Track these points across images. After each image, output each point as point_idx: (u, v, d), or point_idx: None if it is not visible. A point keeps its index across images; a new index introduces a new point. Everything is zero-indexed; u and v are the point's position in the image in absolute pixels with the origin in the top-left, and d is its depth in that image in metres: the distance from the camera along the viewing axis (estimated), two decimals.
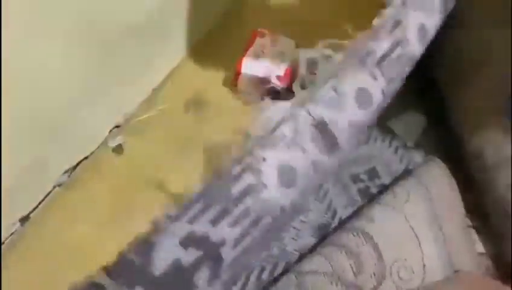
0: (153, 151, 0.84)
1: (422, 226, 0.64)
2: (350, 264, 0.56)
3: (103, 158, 0.82)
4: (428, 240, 0.62)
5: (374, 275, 0.57)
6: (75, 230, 0.73)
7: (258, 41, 0.90)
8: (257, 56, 0.89)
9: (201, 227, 0.44)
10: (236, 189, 0.46)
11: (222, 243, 0.44)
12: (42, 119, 0.71)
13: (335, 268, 0.56)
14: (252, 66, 0.88)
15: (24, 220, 0.74)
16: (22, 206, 0.74)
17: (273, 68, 0.88)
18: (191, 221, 0.44)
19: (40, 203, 0.76)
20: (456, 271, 0.61)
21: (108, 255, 0.71)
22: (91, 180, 0.79)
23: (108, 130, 0.85)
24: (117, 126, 0.87)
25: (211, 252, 0.44)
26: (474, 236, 0.70)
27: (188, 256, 0.43)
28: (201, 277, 0.43)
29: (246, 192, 0.46)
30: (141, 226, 0.74)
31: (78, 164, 0.81)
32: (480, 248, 0.70)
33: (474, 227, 0.70)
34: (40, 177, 0.75)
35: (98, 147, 0.84)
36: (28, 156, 0.71)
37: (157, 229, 0.46)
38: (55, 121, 0.74)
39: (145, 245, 0.44)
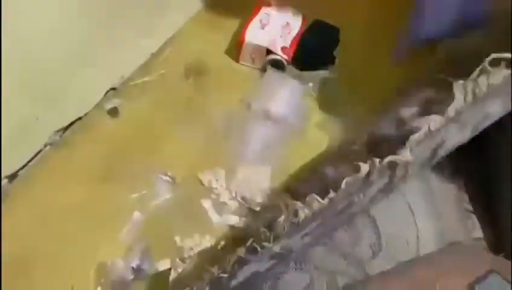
0: (149, 116, 0.81)
1: (418, 202, 0.65)
2: (348, 237, 0.55)
3: (97, 120, 0.80)
4: (423, 215, 0.63)
5: (371, 246, 0.56)
6: (65, 190, 0.71)
7: (264, 10, 0.87)
8: (262, 26, 0.86)
9: None
10: None
11: None
12: (35, 77, 0.68)
13: (334, 239, 0.55)
14: (256, 35, 0.85)
15: (12, 177, 0.71)
16: (10, 163, 0.71)
17: (278, 39, 0.85)
18: None
19: (29, 161, 0.73)
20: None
21: (98, 217, 0.70)
22: (84, 141, 0.76)
23: (104, 92, 0.82)
24: (113, 88, 0.84)
25: None
26: (475, 221, 0.70)
27: None
28: None
29: None
30: (132, 190, 0.72)
31: (71, 124, 0.78)
32: (478, 233, 0.69)
33: (474, 213, 0.69)
34: (30, 136, 0.72)
35: (93, 108, 0.81)
36: (18, 113, 0.68)
37: None
38: (48, 80, 0.71)
39: None
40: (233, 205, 0.70)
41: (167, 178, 0.73)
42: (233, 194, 0.72)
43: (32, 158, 0.73)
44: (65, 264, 0.63)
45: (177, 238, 0.66)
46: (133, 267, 0.61)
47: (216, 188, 0.72)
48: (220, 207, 0.70)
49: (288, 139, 0.79)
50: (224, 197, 0.71)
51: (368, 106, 0.82)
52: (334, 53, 0.88)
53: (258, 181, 0.73)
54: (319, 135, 0.79)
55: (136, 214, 0.68)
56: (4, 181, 0.70)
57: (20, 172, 0.72)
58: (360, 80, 0.87)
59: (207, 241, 0.66)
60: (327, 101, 0.84)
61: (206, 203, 0.70)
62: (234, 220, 0.69)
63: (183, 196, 0.71)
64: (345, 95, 0.85)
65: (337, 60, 0.88)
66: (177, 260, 0.64)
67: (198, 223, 0.68)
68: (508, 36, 0.52)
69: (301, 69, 0.86)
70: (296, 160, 0.76)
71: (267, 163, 0.76)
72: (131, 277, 0.61)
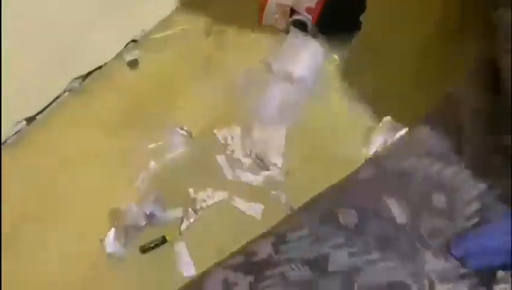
0: (168, 70, 0.81)
1: None
2: None
3: (117, 71, 0.80)
4: None
5: None
6: (82, 136, 0.71)
7: None
8: None
9: None
10: None
11: None
12: (58, 24, 0.68)
13: None
14: None
15: (30, 120, 0.72)
16: (28, 106, 0.71)
17: None
18: None
19: (48, 106, 0.73)
20: None
21: (114, 164, 0.70)
22: (102, 90, 0.77)
23: (125, 44, 0.82)
24: (134, 41, 0.84)
25: None
26: None
27: None
28: None
29: None
30: (148, 140, 0.72)
31: (90, 73, 0.78)
32: None
33: None
34: (50, 80, 0.73)
35: (113, 59, 0.81)
36: (38, 57, 0.68)
37: None
38: (70, 28, 0.71)
39: None
40: (247, 162, 0.70)
41: (183, 132, 0.73)
42: (248, 152, 0.72)
43: (51, 103, 0.74)
44: (81, 208, 0.64)
45: (191, 190, 0.66)
46: (146, 214, 0.62)
47: (231, 144, 0.72)
48: (234, 163, 0.70)
49: (306, 102, 0.78)
50: (239, 154, 0.71)
51: (390, 75, 0.81)
52: (359, 18, 0.86)
53: (273, 140, 0.73)
54: (339, 101, 0.79)
55: (152, 164, 0.68)
56: (22, 123, 0.71)
57: (39, 116, 0.73)
58: (384, 48, 0.85)
59: (220, 195, 0.67)
60: (349, 67, 0.83)
61: (221, 159, 0.70)
62: (248, 177, 0.69)
63: (198, 150, 0.71)
64: (368, 62, 0.84)
65: (362, 26, 0.87)
66: (190, 210, 0.64)
67: (212, 178, 0.68)
68: None
69: (325, 32, 0.85)
70: (313, 122, 0.75)
71: (283, 123, 0.75)
72: (144, 222, 0.62)
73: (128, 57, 0.81)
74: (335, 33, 0.85)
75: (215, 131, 0.73)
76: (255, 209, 0.66)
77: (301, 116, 0.76)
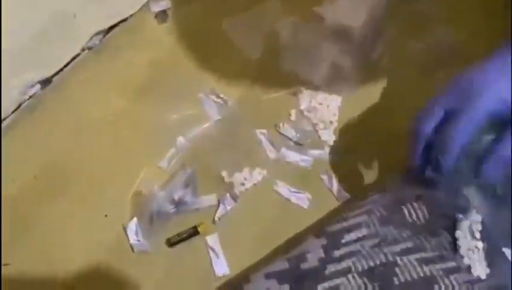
0: (201, 23, 0.69)
1: None
2: None
3: (143, 24, 0.69)
4: None
5: None
6: (102, 101, 0.62)
7: None
8: None
9: None
10: None
11: None
12: None
13: None
14: None
15: (45, 83, 0.63)
16: (43, 66, 0.62)
17: None
18: None
19: (64, 66, 0.64)
20: None
21: (137, 136, 0.61)
22: (126, 47, 0.66)
23: None
24: None
25: None
26: None
27: None
28: None
29: None
30: (176, 109, 0.63)
31: (113, 27, 0.68)
32: None
33: None
34: (66, 37, 0.63)
35: (139, 10, 0.70)
36: (52, 8, 0.58)
37: None
38: None
39: None
40: (294, 138, 0.60)
41: (218, 100, 0.62)
42: (295, 126, 0.61)
43: (68, 63, 0.64)
44: (99, 187, 0.56)
45: (225, 173, 0.57)
46: (174, 199, 0.53)
47: (274, 116, 0.61)
48: (278, 140, 0.60)
49: (364, 65, 0.65)
50: (285, 128, 0.60)
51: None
52: None
53: (324, 112, 0.62)
54: (407, 63, 0.65)
55: (180, 140, 0.59)
56: (36, 87, 0.62)
57: (55, 78, 0.64)
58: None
59: (259, 177, 0.57)
60: (418, 22, 0.69)
61: (262, 134, 0.60)
62: (294, 156, 0.58)
63: (235, 123, 0.61)
64: (442, 14, 0.69)
65: None
66: (227, 195, 0.55)
67: (251, 157, 0.58)
68: None
69: None
70: (373, 91, 0.63)
71: (336, 91, 0.63)
72: (172, 209, 0.53)
73: (156, 8, 0.69)
74: None
75: (255, 98, 0.63)
76: (301, 197, 0.55)
77: (359, 82, 0.64)
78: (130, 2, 0.69)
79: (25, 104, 0.62)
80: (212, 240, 0.53)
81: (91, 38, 0.66)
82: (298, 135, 0.60)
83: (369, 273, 0.44)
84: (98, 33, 0.66)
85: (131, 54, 0.66)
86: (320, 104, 0.62)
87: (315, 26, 0.68)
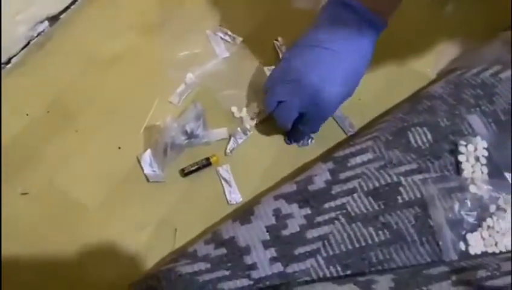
0: None
1: None
2: None
3: None
4: None
5: None
6: (111, 38, 0.63)
7: None
8: None
9: None
10: None
11: None
12: None
13: None
14: None
15: (53, 20, 0.64)
16: (50, 3, 0.63)
17: None
18: None
19: (72, 3, 0.65)
20: None
21: (147, 73, 0.63)
22: None
23: None
24: None
25: None
26: None
27: None
28: None
29: None
30: (185, 46, 0.64)
31: None
32: None
33: None
34: None
35: None
36: None
37: None
38: None
39: None
40: None
41: (225, 36, 0.64)
42: None
43: (76, 0, 0.65)
44: (111, 121, 0.58)
45: (234, 109, 0.59)
46: (186, 131, 0.55)
47: (284, 53, 0.63)
48: None
49: None
50: None
51: None
52: None
53: None
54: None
55: (189, 76, 0.61)
56: (45, 24, 0.63)
57: (63, 15, 0.64)
58: None
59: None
60: None
61: (269, 71, 0.61)
62: None
63: (243, 59, 0.62)
64: None
65: None
66: (238, 129, 0.58)
67: (260, 92, 0.60)
68: None
69: None
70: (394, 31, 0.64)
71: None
72: (184, 141, 0.55)
73: None
74: None
75: (266, 36, 0.64)
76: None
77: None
78: None
79: (33, 40, 0.63)
80: (224, 170, 0.55)
81: None
82: None
83: (374, 193, 0.47)
84: None
85: None
86: None
87: None
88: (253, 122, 0.58)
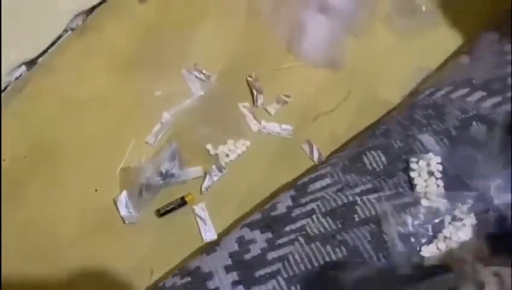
0: (181, 3, 0.71)
1: None
2: None
3: (124, 4, 0.71)
4: None
5: None
6: (87, 80, 0.65)
7: None
8: None
9: None
10: None
11: None
12: None
13: None
14: None
15: (30, 64, 0.65)
16: (27, 49, 0.65)
17: None
18: None
19: (48, 47, 0.66)
20: None
21: (124, 114, 0.64)
22: (108, 27, 0.69)
23: None
24: None
25: None
26: None
27: None
28: None
29: None
30: (161, 86, 0.65)
31: (94, 8, 0.70)
32: None
33: None
34: (49, 18, 0.65)
35: None
36: None
37: None
38: None
39: None
40: (276, 109, 0.63)
41: (201, 75, 0.65)
42: (277, 98, 0.64)
43: (52, 44, 0.67)
44: (88, 162, 0.59)
45: (210, 146, 0.60)
46: (161, 172, 0.56)
47: (257, 89, 0.64)
48: (260, 112, 0.63)
49: (347, 36, 0.69)
50: (267, 101, 0.64)
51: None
52: None
53: (309, 83, 0.65)
54: (386, 33, 0.69)
55: (165, 115, 0.62)
56: (22, 68, 0.65)
57: (40, 59, 0.66)
58: None
59: (242, 146, 0.60)
60: None
61: (244, 107, 0.63)
62: (274, 127, 0.62)
63: (218, 97, 0.64)
64: None
65: None
66: (214, 166, 0.59)
67: (234, 129, 0.62)
68: None
69: None
70: (351, 61, 0.67)
71: (319, 63, 0.67)
72: (159, 181, 0.56)
73: None
74: None
75: (238, 73, 0.66)
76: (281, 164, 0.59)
77: (338, 53, 0.67)
78: None
79: (11, 85, 0.64)
80: (199, 208, 0.57)
81: (73, 19, 0.68)
82: (281, 105, 0.64)
83: (331, 213, 0.49)
84: (79, 14, 0.68)
85: (113, 33, 0.68)
86: (304, 74, 0.66)
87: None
88: (229, 159, 0.60)
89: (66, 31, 0.68)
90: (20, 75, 0.65)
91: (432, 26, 0.69)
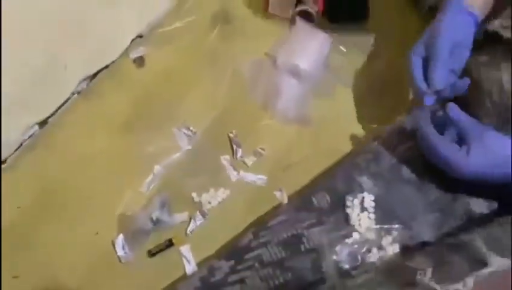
0: (174, 66, 0.83)
1: None
2: None
3: (123, 69, 0.83)
4: None
5: None
6: (91, 138, 0.76)
7: None
8: None
9: None
10: None
11: None
12: (61, 23, 0.71)
13: None
14: None
15: (42, 124, 0.77)
16: (40, 110, 0.76)
17: None
18: None
19: (58, 109, 0.78)
20: None
21: (122, 167, 0.75)
22: (109, 90, 0.81)
23: (131, 40, 0.85)
24: (140, 36, 0.86)
25: None
26: None
27: None
28: None
29: None
30: (154, 142, 0.76)
31: (97, 73, 0.82)
32: None
33: None
34: (59, 84, 0.77)
35: (119, 57, 0.84)
36: (47, 61, 0.72)
37: None
38: (73, 23, 0.74)
39: None
40: (253, 161, 0.74)
41: (188, 132, 0.76)
42: (254, 151, 0.75)
43: (61, 106, 0.78)
44: (90, 210, 0.70)
45: (194, 194, 0.71)
46: (152, 219, 0.67)
47: (237, 144, 0.75)
48: (239, 164, 0.74)
49: (314, 98, 0.80)
50: (245, 154, 0.75)
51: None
52: (367, 6, 0.86)
53: (282, 137, 0.76)
54: (348, 95, 0.80)
55: (157, 168, 0.73)
56: (35, 128, 0.76)
57: (50, 119, 0.77)
58: (395, 36, 0.85)
59: (222, 194, 0.71)
60: (358, 57, 0.84)
61: (225, 160, 0.74)
62: (251, 177, 0.73)
63: (203, 151, 0.75)
64: (380, 50, 0.84)
65: (370, 14, 0.86)
66: (198, 213, 0.69)
67: (216, 180, 0.72)
68: None
69: (332, 22, 0.85)
70: (317, 117, 0.78)
71: (291, 120, 0.78)
72: (150, 227, 0.67)
73: (134, 54, 0.84)
74: (343, 22, 0.86)
75: (220, 129, 0.77)
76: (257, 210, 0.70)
77: (307, 111, 0.79)
78: (112, 50, 0.83)
79: (25, 142, 0.75)
80: (185, 249, 0.67)
81: (79, 83, 0.80)
82: (254, 159, 0.74)
83: (283, 243, 0.60)
84: (84, 79, 0.80)
85: (113, 96, 0.80)
86: (278, 131, 0.77)
87: (271, 64, 0.82)
88: (210, 206, 0.70)
89: (73, 94, 0.80)
90: (33, 134, 0.76)
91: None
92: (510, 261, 0.47)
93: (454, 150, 0.57)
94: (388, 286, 0.50)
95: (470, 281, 0.46)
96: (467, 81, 0.62)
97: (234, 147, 0.75)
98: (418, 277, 0.48)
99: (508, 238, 0.51)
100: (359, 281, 0.53)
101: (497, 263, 0.47)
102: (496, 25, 0.66)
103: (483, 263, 0.48)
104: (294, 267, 0.57)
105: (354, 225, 0.60)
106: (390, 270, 0.53)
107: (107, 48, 0.83)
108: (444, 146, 0.58)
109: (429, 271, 0.48)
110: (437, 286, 0.46)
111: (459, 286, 0.46)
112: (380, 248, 0.58)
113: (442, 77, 0.63)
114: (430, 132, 0.59)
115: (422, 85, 0.64)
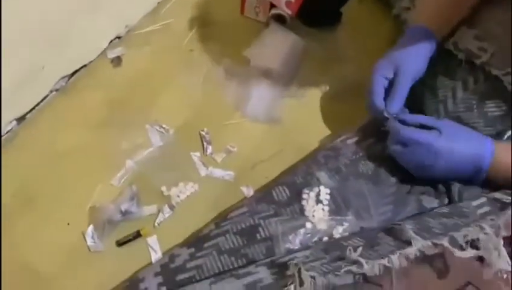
0: (150, 66, 0.88)
1: None
2: None
3: (101, 68, 0.87)
4: None
5: None
6: (67, 134, 0.80)
7: None
8: None
9: None
10: None
11: None
12: (41, 24, 0.76)
13: None
14: None
15: (20, 119, 0.81)
16: (19, 107, 0.80)
17: None
18: None
19: (36, 105, 0.82)
20: None
21: (95, 161, 0.79)
22: (87, 89, 0.85)
23: (109, 41, 0.90)
24: (118, 37, 0.91)
25: None
26: None
27: None
28: None
29: None
30: (127, 138, 0.80)
31: (75, 72, 0.86)
32: None
33: None
34: (38, 82, 0.81)
35: (97, 56, 0.88)
36: (26, 59, 0.76)
37: None
38: (53, 27, 0.78)
39: None
40: (222, 158, 0.78)
41: (160, 129, 0.80)
42: (224, 148, 0.79)
43: (39, 103, 0.82)
44: (63, 202, 0.74)
45: (164, 188, 0.75)
46: (121, 210, 0.70)
47: (207, 141, 0.79)
48: (209, 160, 0.78)
49: (284, 99, 0.84)
50: (216, 151, 0.79)
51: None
52: (340, 10, 0.90)
53: (251, 136, 0.80)
54: (317, 96, 0.84)
55: (129, 162, 0.77)
56: (13, 123, 0.80)
57: (28, 115, 0.82)
58: (367, 39, 0.90)
59: (191, 188, 0.75)
60: (329, 60, 0.88)
61: (195, 156, 0.78)
62: (219, 173, 0.77)
63: (174, 148, 0.79)
64: (350, 54, 0.88)
65: (343, 18, 0.91)
66: (166, 206, 0.73)
67: (185, 175, 0.76)
68: None
69: (306, 25, 0.90)
70: (288, 118, 0.82)
71: (261, 119, 0.82)
72: (120, 218, 0.70)
73: (111, 55, 0.88)
74: (316, 26, 0.90)
75: (192, 127, 0.81)
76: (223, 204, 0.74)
77: (276, 111, 0.83)
78: (90, 50, 0.88)
79: (4, 137, 0.79)
80: (152, 240, 0.70)
81: (57, 81, 0.84)
82: (224, 156, 0.78)
83: (240, 232, 0.64)
84: (63, 77, 0.85)
85: (91, 93, 0.84)
86: (247, 129, 0.81)
87: (244, 67, 0.87)
88: (179, 199, 0.74)
89: (51, 91, 0.84)
90: (11, 129, 0.80)
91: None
92: (430, 243, 0.51)
93: (426, 133, 0.64)
94: (322, 259, 0.54)
95: (394, 258, 0.50)
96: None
97: (205, 144, 0.79)
98: (347, 252, 0.52)
99: (436, 224, 0.56)
100: (299, 255, 0.56)
101: (420, 243, 0.53)
102: (450, 45, 0.72)
103: (408, 243, 0.53)
104: (248, 254, 0.61)
105: (308, 216, 0.63)
106: (326, 248, 0.56)
107: (86, 49, 0.87)
108: (418, 132, 0.64)
109: (359, 249, 0.52)
110: (363, 261, 0.50)
111: (384, 261, 0.50)
112: (331, 237, 0.62)
113: (399, 105, 0.70)
114: (400, 126, 0.66)
115: (380, 103, 0.70)
